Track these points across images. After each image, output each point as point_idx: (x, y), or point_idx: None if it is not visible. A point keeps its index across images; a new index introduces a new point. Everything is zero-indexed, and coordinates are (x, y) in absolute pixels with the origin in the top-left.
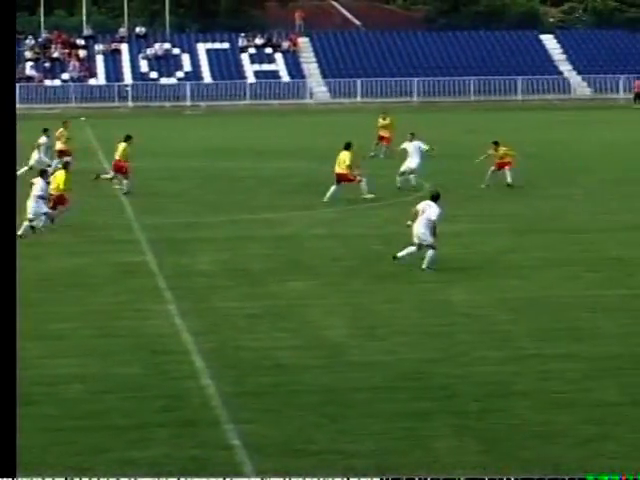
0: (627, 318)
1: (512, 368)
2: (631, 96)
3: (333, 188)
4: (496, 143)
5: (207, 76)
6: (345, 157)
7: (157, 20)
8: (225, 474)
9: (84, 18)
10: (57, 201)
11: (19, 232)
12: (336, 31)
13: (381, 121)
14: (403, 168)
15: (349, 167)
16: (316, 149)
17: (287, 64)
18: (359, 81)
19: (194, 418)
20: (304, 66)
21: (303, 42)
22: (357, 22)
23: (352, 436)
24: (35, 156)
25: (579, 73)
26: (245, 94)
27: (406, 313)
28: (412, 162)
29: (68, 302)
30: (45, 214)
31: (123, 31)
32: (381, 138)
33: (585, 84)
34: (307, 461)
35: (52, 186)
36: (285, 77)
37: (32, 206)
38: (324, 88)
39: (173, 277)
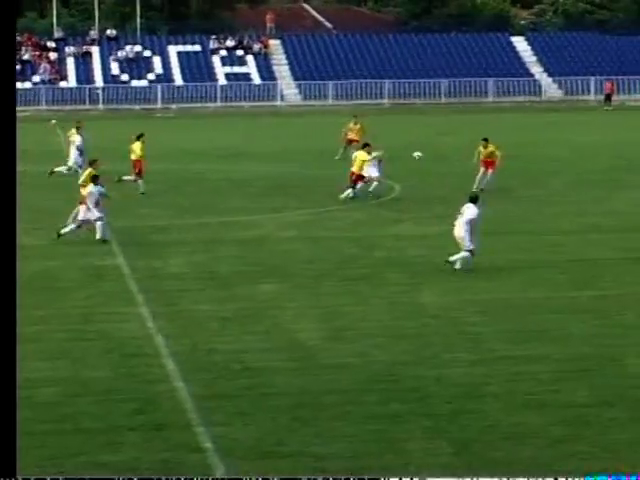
0: (596, 319)
1: (483, 370)
2: (602, 98)
3: (353, 189)
4: (485, 140)
5: (178, 78)
6: (362, 156)
7: (128, 22)
8: (199, 476)
9: (54, 20)
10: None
11: (62, 231)
12: (307, 33)
13: (352, 125)
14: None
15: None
16: (287, 152)
17: (258, 66)
18: (330, 83)
19: (165, 421)
20: (275, 68)
21: (274, 44)
22: (328, 25)
23: (324, 439)
24: (72, 156)
25: (550, 75)
26: (216, 96)
27: (377, 315)
28: (373, 172)
29: (40, 305)
30: (99, 219)
31: (94, 33)
32: (350, 142)
33: (556, 86)
34: (279, 464)
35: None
36: (256, 79)
37: (84, 210)
38: (295, 90)
39: (144, 280)
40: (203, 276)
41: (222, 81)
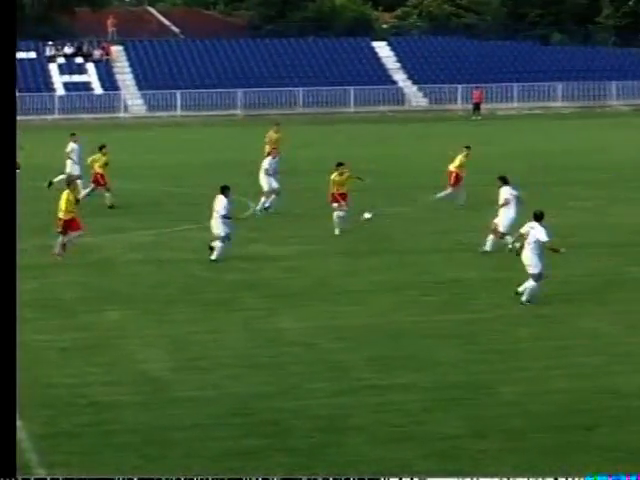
0: (466, 344)
1: (347, 400)
2: (470, 107)
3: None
4: (468, 148)
5: None
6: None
7: None
8: None
9: None
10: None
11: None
12: (152, 39)
13: (273, 134)
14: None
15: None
16: (130, 167)
17: (99, 75)
18: (178, 93)
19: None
20: (118, 77)
21: (117, 51)
22: (175, 29)
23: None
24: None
25: (414, 83)
26: (54, 108)
27: (232, 343)
28: (273, 182)
29: None
30: (226, 235)
31: None
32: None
33: (421, 94)
34: None
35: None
36: (98, 89)
37: (216, 226)
38: (140, 101)
39: None
40: (41, 304)
41: (60, 91)
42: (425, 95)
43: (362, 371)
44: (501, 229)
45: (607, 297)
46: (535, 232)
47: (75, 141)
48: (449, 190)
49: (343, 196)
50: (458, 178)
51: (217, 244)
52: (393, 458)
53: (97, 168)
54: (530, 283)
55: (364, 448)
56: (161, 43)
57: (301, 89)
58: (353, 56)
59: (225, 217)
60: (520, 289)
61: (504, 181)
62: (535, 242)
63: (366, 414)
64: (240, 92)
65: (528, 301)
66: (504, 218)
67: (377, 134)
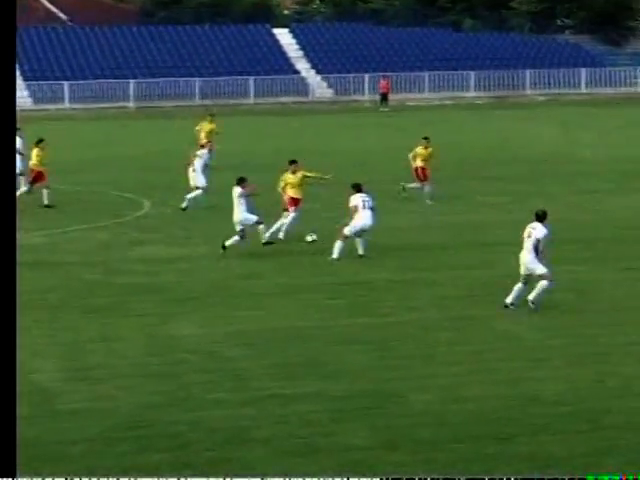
0: (374, 350)
1: (249, 411)
2: (377, 97)
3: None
4: (427, 139)
5: None
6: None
7: None
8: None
9: None
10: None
11: (227, 243)
12: (39, 27)
13: (206, 125)
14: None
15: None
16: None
17: None
18: (66, 84)
19: None
20: None
21: None
22: (63, 16)
23: None
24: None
25: (318, 72)
26: None
27: (125, 352)
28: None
29: None
30: (258, 222)
31: None
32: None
33: (325, 84)
34: None
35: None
36: None
37: (240, 215)
38: (25, 92)
39: None
40: None
41: None
42: (330, 85)
43: (265, 380)
44: (346, 231)
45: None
46: (536, 232)
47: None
48: (418, 185)
49: (295, 201)
50: (425, 173)
51: (260, 229)
52: (298, 471)
53: (33, 163)
54: (543, 283)
55: (266, 462)
56: (48, 31)
57: (197, 79)
58: (253, 44)
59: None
60: (508, 300)
61: (356, 189)
62: (536, 243)
63: (270, 425)
64: (132, 83)
65: (533, 302)
66: (354, 222)
67: (278, 127)
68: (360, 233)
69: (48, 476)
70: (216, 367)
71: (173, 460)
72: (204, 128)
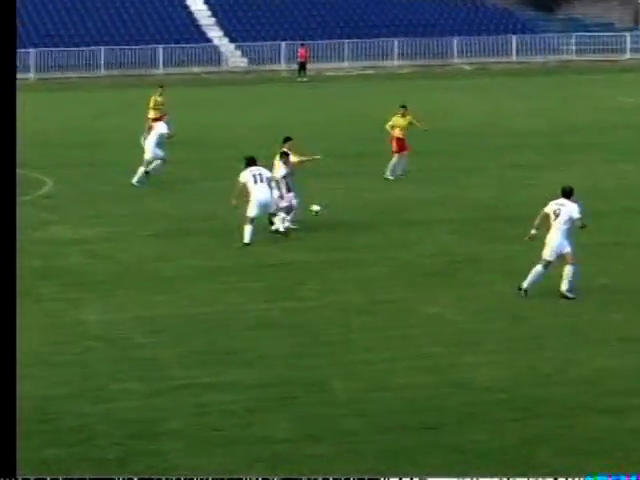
0: (295, 336)
1: (161, 402)
2: (295, 67)
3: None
4: (404, 107)
5: None
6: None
7: None
8: None
9: None
10: None
11: (274, 228)
12: None
13: (157, 98)
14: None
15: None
16: None
17: None
18: None
19: None
20: None
21: None
22: None
23: None
24: None
25: (232, 40)
26: None
27: (28, 339)
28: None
29: None
30: (285, 207)
31: None
32: (154, 120)
33: (239, 53)
34: None
35: None
36: None
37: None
38: None
39: None
40: None
41: None
42: (244, 54)
43: (177, 368)
44: (248, 213)
45: (453, 280)
46: (567, 209)
47: None
48: (395, 159)
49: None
50: (402, 144)
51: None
52: (212, 465)
53: None
54: (569, 270)
55: (182, 455)
56: None
57: (102, 48)
58: (161, 10)
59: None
60: (525, 285)
61: (248, 163)
62: (567, 221)
63: (183, 417)
64: (32, 52)
65: (570, 291)
66: (251, 201)
67: (190, 99)
68: (264, 210)
69: (48, 476)
70: (125, 355)
71: (80, 455)
72: (156, 101)
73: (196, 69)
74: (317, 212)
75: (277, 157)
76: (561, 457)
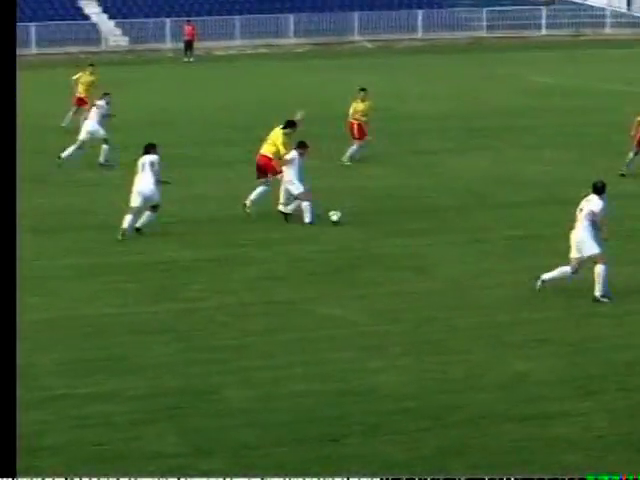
0: (180, 341)
1: (37, 415)
2: (181, 46)
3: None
4: (364, 90)
5: None
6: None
7: None
8: None
9: None
10: None
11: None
12: None
13: (88, 77)
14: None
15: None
16: None
17: None
18: None
19: None
20: None
21: None
22: None
23: None
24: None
25: (111, 17)
26: None
27: None
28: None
29: None
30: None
31: None
32: (80, 102)
33: (120, 31)
34: None
35: None
36: None
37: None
38: None
39: None
40: None
41: None
42: (125, 32)
43: (54, 378)
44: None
45: (354, 278)
46: (590, 205)
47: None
48: (355, 145)
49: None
50: (361, 129)
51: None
52: None
53: None
54: (600, 271)
55: (62, 473)
56: None
57: None
58: None
59: None
60: (546, 277)
61: (147, 150)
62: (588, 215)
63: (60, 432)
64: None
65: (604, 295)
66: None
67: (66, 81)
68: (143, 202)
69: (48, 476)
70: None
71: None
72: (82, 80)
73: (72, 48)
74: (338, 220)
75: (277, 134)
76: (476, 469)
